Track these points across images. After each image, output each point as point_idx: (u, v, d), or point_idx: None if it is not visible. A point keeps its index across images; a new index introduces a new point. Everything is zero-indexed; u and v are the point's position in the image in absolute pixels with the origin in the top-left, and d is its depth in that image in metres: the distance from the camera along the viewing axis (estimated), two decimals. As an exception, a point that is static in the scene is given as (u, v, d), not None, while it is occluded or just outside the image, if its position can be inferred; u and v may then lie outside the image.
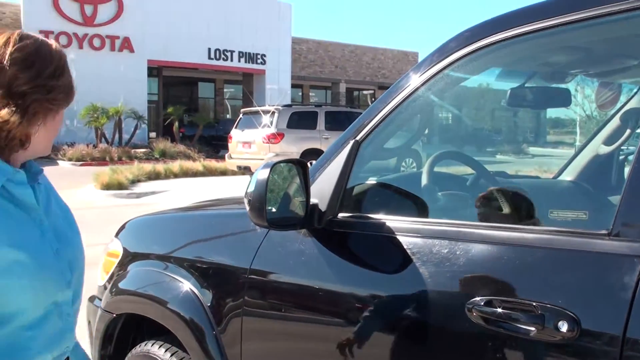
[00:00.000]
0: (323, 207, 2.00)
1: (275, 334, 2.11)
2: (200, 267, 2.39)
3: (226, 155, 16.55)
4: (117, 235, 2.89)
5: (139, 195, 14.73)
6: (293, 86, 39.35)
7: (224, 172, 19.06)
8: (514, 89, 2.33)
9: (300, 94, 45.62)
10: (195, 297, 2.30)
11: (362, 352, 1.88)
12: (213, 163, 20.04)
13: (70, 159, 24.41)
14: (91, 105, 25.90)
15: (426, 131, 2.53)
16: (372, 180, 2.20)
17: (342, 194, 2.00)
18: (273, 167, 1.95)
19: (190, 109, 33.10)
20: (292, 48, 38.10)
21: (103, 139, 26.72)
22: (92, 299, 2.99)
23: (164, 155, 24.46)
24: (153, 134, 32.77)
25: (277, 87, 36.99)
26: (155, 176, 17.66)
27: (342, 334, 1.91)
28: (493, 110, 3.83)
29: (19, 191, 1.38)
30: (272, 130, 14.70)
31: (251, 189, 1.94)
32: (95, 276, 6.21)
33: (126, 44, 31.64)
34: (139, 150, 25.42)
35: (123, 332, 2.70)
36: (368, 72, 45.97)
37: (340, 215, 2.01)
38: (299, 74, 40.62)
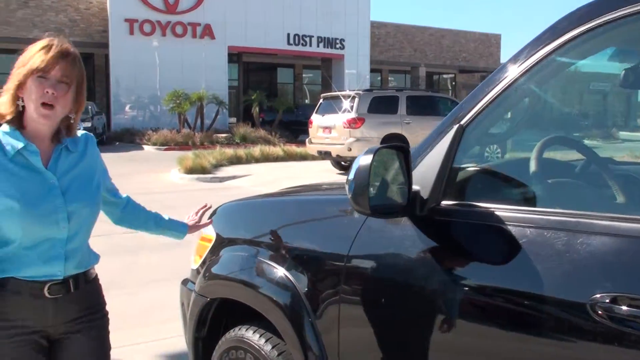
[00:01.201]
0: (425, 194, 1.91)
1: (374, 323, 2.05)
2: (294, 253, 2.36)
3: (306, 140, 16.56)
4: (209, 218, 2.90)
5: (221, 179, 14.98)
6: (372, 71, 39.07)
7: (304, 157, 19.14)
8: (629, 69, 2.17)
9: (379, 78, 45.27)
10: (290, 283, 2.27)
11: (465, 345, 1.80)
12: (293, 148, 20.16)
13: (154, 144, 25.07)
14: (174, 91, 26.51)
15: (530, 116, 2.39)
16: (477, 166, 2.10)
17: (446, 180, 1.91)
18: (376, 152, 1.87)
19: (269, 94, 33.38)
20: (370, 32, 37.78)
21: (185, 124, 27.30)
22: (185, 282, 3.01)
23: (245, 140, 24.77)
24: (233, 119, 33.29)
25: (356, 71, 36.82)
26: (236, 160, 17.91)
27: (443, 325, 1.84)
28: (602, 93, 3.63)
29: (31, 158, 1.90)
30: (353, 115, 14.59)
31: (353, 174, 1.87)
32: (182, 255, 6.24)
33: (207, 31, 32.19)
34: (220, 135, 25.83)
35: (216, 316, 2.71)
36: (448, 56, 45.12)
37: (444, 202, 1.92)
38: (378, 58, 40.29)
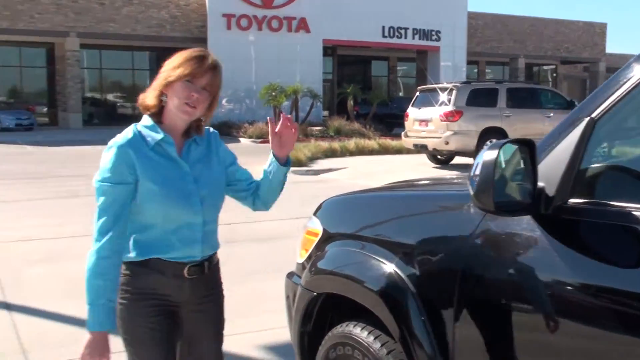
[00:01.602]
0: (551, 191, 1.80)
1: (493, 323, 1.96)
2: (404, 250, 2.29)
3: (402, 133, 16.39)
4: (315, 214, 2.87)
5: (316, 172, 15.06)
6: (468, 63, 38.25)
7: (398, 151, 18.98)
8: None
9: (475, 70, 44.30)
10: (400, 280, 2.21)
11: (591, 351, 1.68)
12: (388, 141, 20.02)
13: (250, 137, 25.55)
14: (270, 84, 26.89)
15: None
16: (609, 162, 1.96)
17: (575, 177, 1.79)
18: (502, 147, 1.77)
19: (363, 87, 33.30)
20: (468, 23, 36.94)
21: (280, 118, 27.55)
22: (290, 275, 3.00)
23: (339, 133, 24.81)
24: (325, 112, 33.43)
25: (452, 64, 36.15)
26: (331, 154, 17.97)
27: (570, 330, 1.72)
28: None
29: (168, 148, 2.16)
30: (451, 107, 14.29)
31: (477, 170, 1.78)
32: (280, 247, 6.30)
33: (302, 25, 32.47)
34: (314, 128, 25.98)
35: (322, 310, 2.68)
36: (549, 46, 43.52)
37: (571, 201, 1.80)
38: (475, 49, 39.39)
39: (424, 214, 2.37)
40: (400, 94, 40.91)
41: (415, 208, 2.44)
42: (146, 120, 2.19)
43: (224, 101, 32.53)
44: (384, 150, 19.10)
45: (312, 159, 16.76)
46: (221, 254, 2.33)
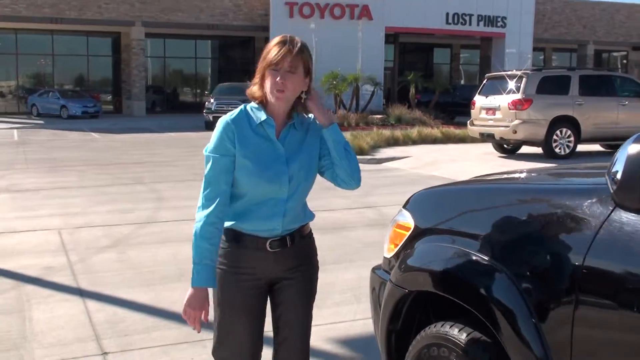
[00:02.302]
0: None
1: (621, 328, 1.75)
2: (511, 247, 2.09)
3: (468, 122, 15.98)
4: (405, 207, 2.69)
5: (379, 161, 14.84)
6: (534, 49, 37.16)
7: (462, 139, 18.56)
8: None
9: (541, 57, 43.08)
10: (508, 279, 2.02)
11: None
12: (451, 130, 19.61)
13: (311, 125, 25.44)
14: (331, 72, 26.68)
15: None
16: None
17: None
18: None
19: (425, 74, 32.75)
20: (535, 9, 35.85)
21: (341, 105, 27.47)
22: (377, 268, 2.84)
23: (400, 122, 24.45)
24: (384, 101, 33.06)
25: (517, 50, 35.17)
26: (393, 142, 17.71)
27: None
28: None
29: (268, 130, 2.34)
30: (520, 95, 13.82)
31: (618, 165, 1.57)
32: (346, 237, 6.08)
33: (365, 12, 32.12)
34: (375, 117, 25.69)
35: (411, 309, 2.50)
36: (621, 32, 41.92)
37: None
38: (542, 36, 38.26)
39: (537, 209, 2.14)
40: (461, 82, 40.10)
41: (524, 203, 2.22)
42: (254, 103, 2.39)
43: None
44: (447, 139, 18.71)
45: (375, 147, 16.53)
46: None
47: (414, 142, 18.11)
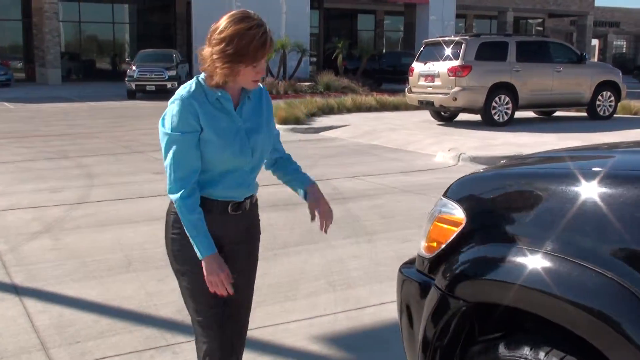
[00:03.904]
0: None
1: None
2: (624, 250, 1.67)
3: (406, 89, 15.66)
4: (447, 196, 2.23)
5: (317, 130, 14.38)
6: (456, 17, 37.31)
7: (397, 107, 18.32)
8: None
9: (461, 24, 43.40)
10: (627, 293, 1.59)
11: None
12: (385, 97, 19.30)
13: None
14: (257, 38, 25.84)
15: None
16: None
17: None
18: None
19: (350, 42, 32.30)
20: (458, -24, 35.89)
21: (268, 73, 26.76)
22: (406, 266, 2.40)
23: (329, 89, 24.04)
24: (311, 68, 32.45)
25: (437, 18, 35.17)
26: (328, 110, 17.25)
27: None
28: None
29: (225, 103, 2.33)
30: (459, 62, 13.58)
31: None
32: (302, 215, 5.57)
33: (288, -25, 31.25)
34: (303, 84, 25.18)
35: (460, 322, 2.06)
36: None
37: None
38: (464, 3, 38.44)
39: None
40: (383, 50, 39.85)
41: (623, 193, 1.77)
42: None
43: (207, 56, 31.35)
44: (382, 107, 18.40)
45: (310, 115, 16.04)
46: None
47: (349, 110, 17.72)
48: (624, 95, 15.78)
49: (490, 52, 13.90)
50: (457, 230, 2.09)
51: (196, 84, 2.32)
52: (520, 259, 1.83)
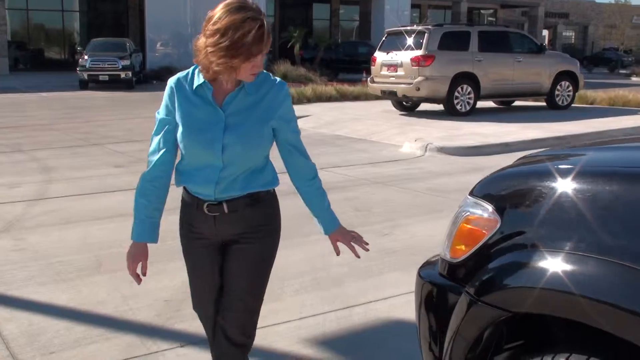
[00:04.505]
0: None
1: None
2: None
3: (368, 79, 15.52)
4: (476, 194, 2.05)
5: (278, 121, 14.12)
6: (411, 7, 37.36)
7: (357, 97, 18.23)
8: None
9: (415, 15, 43.51)
10: None
11: None
12: (346, 87, 19.13)
13: (194, 83, 24.20)
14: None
15: None
16: None
17: None
18: None
19: (306, 31, 32.04)
20: (413, -35, 35.90)
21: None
22: (425, 269, 2.23)
23: (286, 79, 23.61)
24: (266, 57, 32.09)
25: (395, 7, 35.17)
26: (288, 101, 17.01)
27: None
28: None
29: (206, 93, 2.24)
30: (422, 52, 13.49)
31: None
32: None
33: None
34: (260, 74, 24.82)
35: (494, 331, 1.90)
36: (492, -10, 43.06)
37: None
38: (419, -8, 38.51)
39: None
40: (338, 39, 39.67)
41: None
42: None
43: (158, 45, 30.85)
44: (342, 97, 18.24)
45: (270, 106, 15.77)
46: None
47: (309, 100, 17.51)
48: (582, 85, 15.96)
49: (453, 41, 13.85)
50: (490, 232, 1.92)
51: (188, 71, 2.29)
52: (573, 266, 1.67)
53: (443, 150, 10.16)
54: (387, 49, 14.50)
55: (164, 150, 2.29)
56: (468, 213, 2.03)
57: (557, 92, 15.34)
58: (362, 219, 6.07)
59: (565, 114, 14.47)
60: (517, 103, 16.78)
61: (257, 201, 2.34)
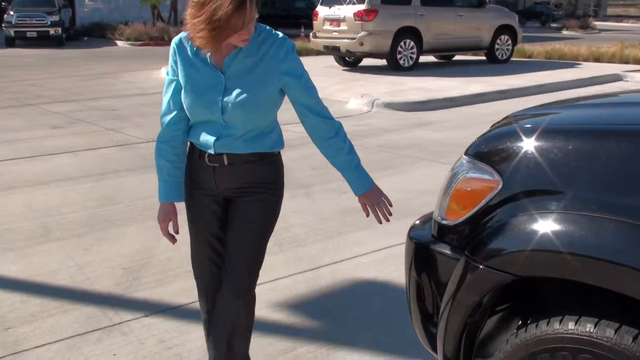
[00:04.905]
0: None
1: None
2: None
3: (310, 34, 15.26)
4: (473, 154, 1.97)
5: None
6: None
7: (298, 52, 17.89)
8: None
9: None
10: None
11: None
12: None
13: (128, 39, 23.41)
14: (146, -18, 24.49)
15: None
16: None
17: None
18: None
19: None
20: None
21: (159, 18, 25.51)
22: (417, 231, 2.15)
23: (224, 34, 23.19)
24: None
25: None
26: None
27: None
28: None
29: (205, 55, 2.22)
30: (365, 6, 13.30)
31: None
32: None
33: None
34: (197, 29, 24.17)
35: (494, 295, 1.85)
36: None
37: None
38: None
39: None
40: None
41: None
42: None
43: (87, 0, 29.67)
44: (283, 53, 17.92)
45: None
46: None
47: (250, 56, 17.12)
48: (520, 39, 16.14)
49: (396, -4, 13.71)
50: (492, 193, 1.84)
51: (188, 32, 2.19)
52: (582, 227, 1.62)
53: (390, 105, 10.11)
54: (329, 3, 14.25)
55: (175, 112, 2.32)
56: (466, 173, 1.95)
57: (497, 46, 15.47)
58: (320, 178, 5.98)
59: (505, 68, 14.62)
60: (457, 57, 16.86)
61: (259, 158, 2.33)
